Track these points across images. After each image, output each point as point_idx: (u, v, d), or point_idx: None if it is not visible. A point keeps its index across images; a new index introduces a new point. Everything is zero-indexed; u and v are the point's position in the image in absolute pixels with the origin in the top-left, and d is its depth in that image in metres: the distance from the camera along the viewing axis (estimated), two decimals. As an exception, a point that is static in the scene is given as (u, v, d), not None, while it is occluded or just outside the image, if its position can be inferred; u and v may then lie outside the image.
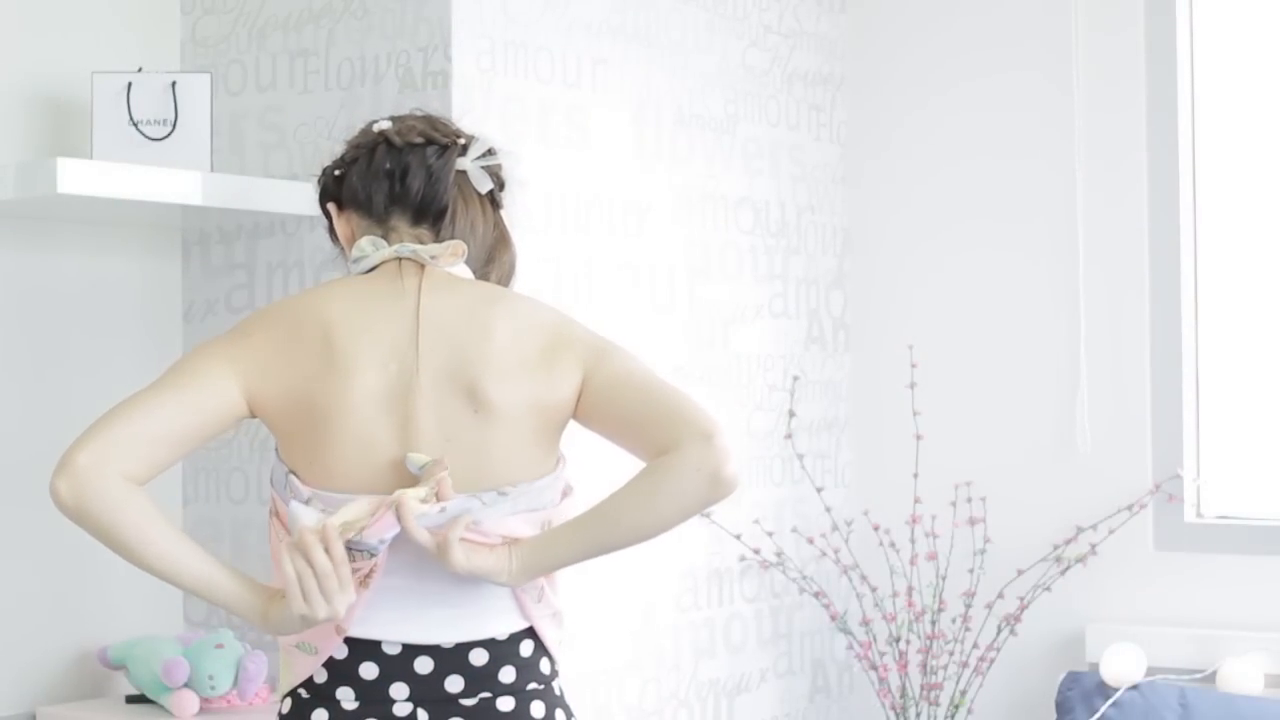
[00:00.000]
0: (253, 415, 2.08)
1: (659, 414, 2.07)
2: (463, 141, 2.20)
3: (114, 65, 3.08)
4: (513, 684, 2.08)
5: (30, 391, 3.00)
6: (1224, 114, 3.56)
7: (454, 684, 2.06)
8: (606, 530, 2.06)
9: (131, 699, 2.96)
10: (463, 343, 2.06)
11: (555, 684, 2.14)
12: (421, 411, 2.05)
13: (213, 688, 2.89)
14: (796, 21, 3.72)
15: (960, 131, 3.78)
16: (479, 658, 2.07)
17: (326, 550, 1.96)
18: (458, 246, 2.13)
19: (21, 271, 2.98)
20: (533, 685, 2.10)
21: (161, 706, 2.91)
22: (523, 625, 2.11)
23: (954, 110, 3.78)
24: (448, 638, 2.07)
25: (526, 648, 2.11)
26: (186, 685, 2.88)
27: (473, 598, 2.07)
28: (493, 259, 2.22)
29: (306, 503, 2.03)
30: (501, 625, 2.09)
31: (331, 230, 2.23)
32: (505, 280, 2.25)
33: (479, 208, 2.19)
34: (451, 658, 2.07)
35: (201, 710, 2.91)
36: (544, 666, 2.13)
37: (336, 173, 2.20)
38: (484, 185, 2.19)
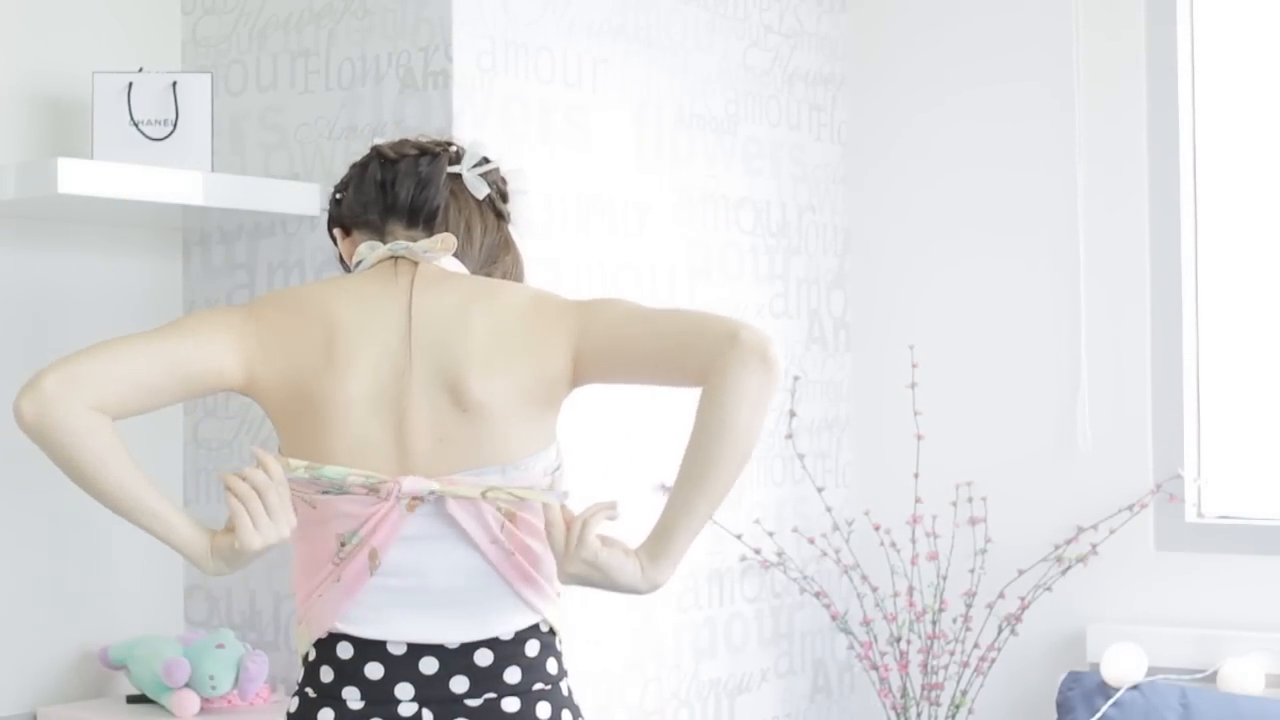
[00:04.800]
0: (245, 393, 2.10)
1: (680, 340, 2.06)
2: (454, 149, 2.21)
3: (115, 65, 3.09)
4: (518, 684, 2.08)
5: (31, 391, 3.00)
6: (1224, 116, 3.56)
7: (459, 684, 2.07)
8: (708, 475, 2.05)
9: (132, 699, 2.96)
10: (446, 341, 2.08)
11: (563, 684, 2.14)
12: (414, 411, 2.06)
13: (213, 688, 2.89)
14: (797, 21, 3.72)
15: (961, 131, 3.77)
16: (484, 658, 2.07)
17: (265, 471, 2.02)
18: (447, 239, 2.14)
19: (22, 271, 2.98)
20: (539, 686, 2.10)
21: (162, 706, 2.91)
22: (528, 622, 2.11)
23: (955, 110, 3.78)
24: (452, 637, 2.07)
25: (532, 648, 2.11)
26: (187, 685, 2.88)
27: (478, 598, 2.08)
28: (495, 261, 2.23)
29: (324, 493, 2.05)
30: (506, 625, 2.09)
31: (341, 258, 2.24)
32: (513, 278, 2.26)
33: (475, 212, 2.20)
34: (457, 658, 2.07)
35: (202, 710, 2.91)
36: (551, 667, 2.13)
37: (337, 197, 2.24)
38: (480, 190, 2.20)
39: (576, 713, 2.15)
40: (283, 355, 2.07)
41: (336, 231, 2.24)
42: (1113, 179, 3.61)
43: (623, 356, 2.10)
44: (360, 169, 2.21)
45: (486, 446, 2.06)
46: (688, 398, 3.44)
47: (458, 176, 2.19)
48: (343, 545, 2.07)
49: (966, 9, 3.78)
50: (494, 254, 2.22)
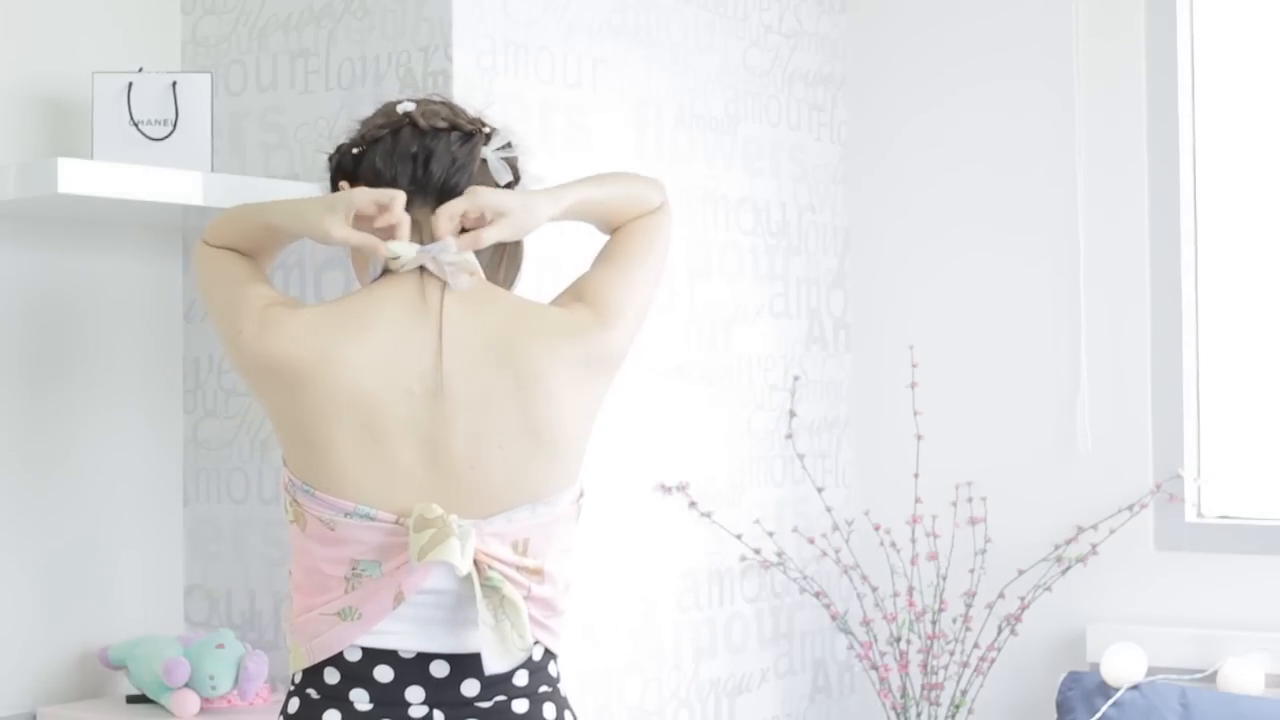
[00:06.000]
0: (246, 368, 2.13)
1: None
2: (486, 131, 2.19)
3: (114, 65, 3.08)
4: (526, 687, 2.09)
5: (30, 391, 3.00)
6: (1224, 116, 3.56)
7: (470, 688, 2.07)
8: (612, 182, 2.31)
9: (132, 699, 2.96)
10: (482, 373, 2.06)
11: (561, 687, 2.16)
12: (448, 441, 2.05)
13: (213, 688, 2.89)
14: (797, 21, 3.72)
15: (961, 131, 3.78)
16: (422, 669, 2.08)
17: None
18: (473, 265, 2.12)
19: (21, 271, 2.98)
20: (544, 688, 2.12)
21: (162, 707, 2.91)
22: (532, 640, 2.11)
23: (955, 109, 3.78)
24: (463, 648, 2.08)
25: (537, 652, 2.12)
26: (187, 685, 2.88)
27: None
28: (505, 251, 2.23)
29: (347, 516, 2.05)
30: None
31: None
32: (513, 270, 2.27)
33: None
34: (467, 662, 2.07)
35: (202, 710, 2.91)
36: (552, 670, 2.15)
37: (355, 151, 2.19)
38: (503, 177, 2.18)
39: (575, 714, 2.17)
40: (291, 418, 2.10)
41: (344, 184, 2.20)
42: (1113, 179, 3.61)
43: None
44: (392, 134, 2.16)
45: (522, 483, 2.07)
46: (687, 398, 3.44)
47: (484, 160, 2.17)
48: (355, 571, 2.06)
49: (966, 9, 3.77)
50: (504, 243, 2.22)
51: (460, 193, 2.14)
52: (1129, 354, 3.59)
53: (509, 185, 2.19)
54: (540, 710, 2.10)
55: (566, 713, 2.15)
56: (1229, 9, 3.57)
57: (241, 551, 3.13)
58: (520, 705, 2.09)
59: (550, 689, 2.13)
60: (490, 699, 2.07)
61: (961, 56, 3.78)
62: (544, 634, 2.13)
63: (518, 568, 2.07)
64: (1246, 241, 3.55)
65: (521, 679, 2.09)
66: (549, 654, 2.14)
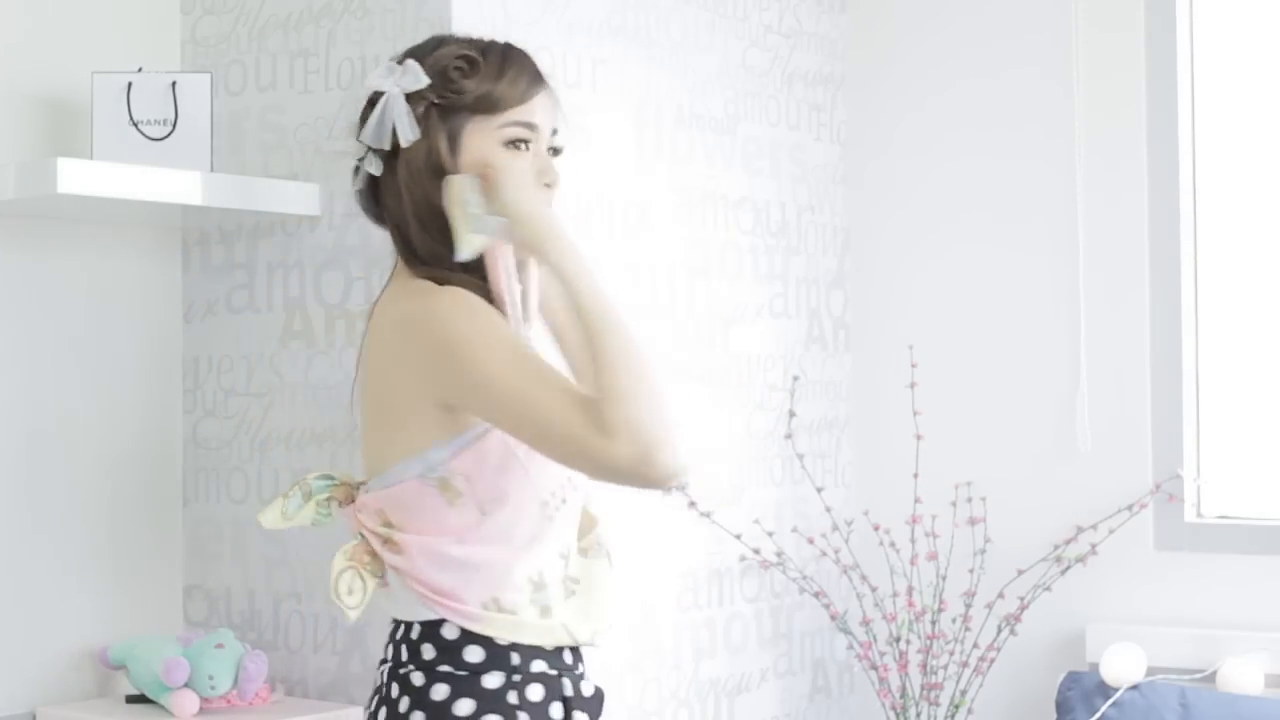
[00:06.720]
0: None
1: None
2: (359, 159, 2.23)
3: (114, 65, 3.09)
4: (390, 660, 2.19)
5: (30, 392, 3.00)
6: (1224, 111, 3.56)
7: (388, 651, 2.21)
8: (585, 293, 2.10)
9: (132, 699, 2.97)
10: (365, 358, 2.22)
11: (445, 667, 2.14)
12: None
13: (213, 688, 2.89)
14: (797, 21, 3.72)
15: (960, 130, 3.78)
16: (394, 633, 2.21)
17: None
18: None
19: (21, 271, 2.98)
20: (408, 667, 2.17)
21: (162, 706, 2.92)
22: (431, 617, 2.15)
23: (954, 109, 3.78)
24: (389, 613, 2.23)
25: (414, 630, 2.17)
26: (187, 685, 2.88)
27: (395, 586, 2.19)
28: (423, 202, 2.18)
29: None
30: (409, 613, 2.18)
31: None
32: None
33: (392, 173, 2.18)
34: (393, 628, 2.22)
35: (202, 710, 2.91)
36: (427, 653, 2.15)
37: None
38: (375, 170, 2.21)
39: (422, 704, 2.13)
40: None
41: None
42: (1112, 177, 3.61)
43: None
44: None
45: (370, 456, 2.20)
46: (687, 398, 3.44)
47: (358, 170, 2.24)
48: None
49: (966, 9, 3.77)
50: (421, 193, 2.17)
51: (372, 216, 2.28)
52: (1129, 354, 3.59)
53: (392, 154, 2.19)
54: (390, 685, 2.17)
55: (405, 698, 2.13)
56: (1229, 2, 3.56)
57: (241, 551, 3.14)
58: (382, 675, 2.20)
59: (415, 669, 2.15)
60: (383, 664, 2.21)
61: (960, 55, 3.78)
62: (441, 610, 2.14)
63: (383, 539, 2.17)
64: (1247, 240, 3.55)
65: (393, 653, 2.19)
66: (430, 635, 2.14)
